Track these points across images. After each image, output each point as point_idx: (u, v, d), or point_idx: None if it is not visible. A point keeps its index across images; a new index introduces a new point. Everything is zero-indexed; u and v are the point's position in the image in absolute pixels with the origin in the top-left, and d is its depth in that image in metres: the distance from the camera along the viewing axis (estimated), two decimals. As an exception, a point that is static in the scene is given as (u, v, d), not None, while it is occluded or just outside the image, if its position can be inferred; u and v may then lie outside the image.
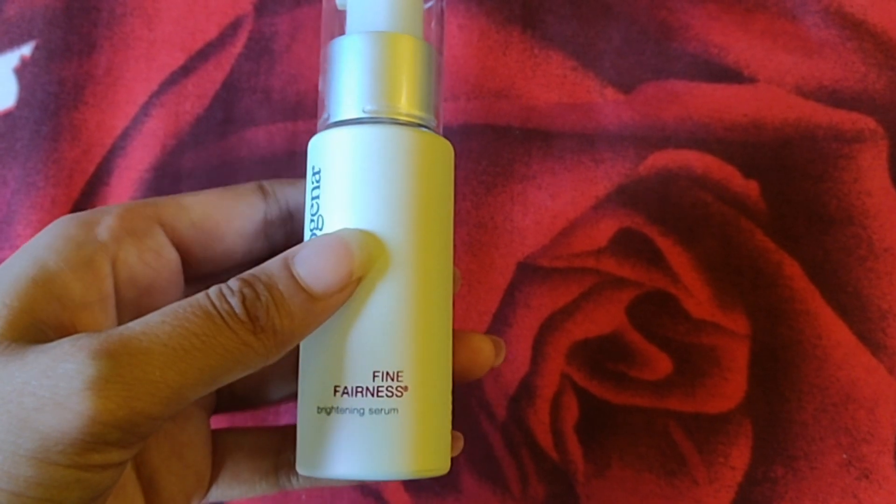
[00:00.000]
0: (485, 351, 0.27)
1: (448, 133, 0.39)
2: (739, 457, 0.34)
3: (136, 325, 0.21)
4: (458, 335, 0.27)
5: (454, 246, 0.37)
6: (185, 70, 0.40)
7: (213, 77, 0.40)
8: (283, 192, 0.28)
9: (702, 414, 0.34)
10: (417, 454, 0.24)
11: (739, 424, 0.34)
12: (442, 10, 0.29)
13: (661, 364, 0.35)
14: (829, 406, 0.34)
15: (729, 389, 0.34)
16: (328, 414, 0.24)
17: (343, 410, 0.24)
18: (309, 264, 0.23)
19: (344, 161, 0.25)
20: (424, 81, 0.26)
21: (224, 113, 0.40)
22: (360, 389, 0.24)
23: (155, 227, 0.26)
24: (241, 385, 0.29)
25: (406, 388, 0.24)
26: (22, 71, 0.41)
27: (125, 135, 0.40)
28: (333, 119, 0.25)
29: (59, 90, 0.41)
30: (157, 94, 0.40)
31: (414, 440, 0.24)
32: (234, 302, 0.22)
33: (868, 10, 0.37)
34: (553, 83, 0.38)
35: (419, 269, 0.25)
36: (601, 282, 0.36)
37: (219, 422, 0.30)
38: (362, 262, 0.24)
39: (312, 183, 0.25)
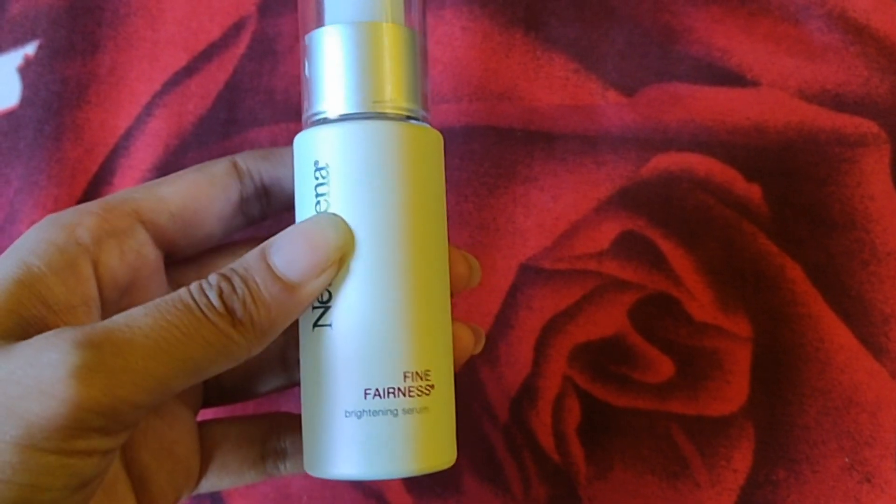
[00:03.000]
0: (464, 339, 0.27)
1: (450, 134, 0.39)
2: (741, 460, 0.34)
3: (119, 318, 0.22)
4: None
5: (457, 245, 0.37)
6: (189, 70, 0.40)
7: (216, 77, 0.40)
8: (256, 166, 0.28)
9: (704, 417, 0.34)
10: (440, 448, 0.25)
11: (741, 427, 0.34)
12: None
13: (663, 367, 0.35)
14: (831, 410, 0.34)
15: (731, 392, 0.34)
16: (359, 417, 0.24)
17: (376, 413, 0.24)
18: (284, 253, 0.24)
19: (356, 157, 0.25)
20: (415, 72, 0.26)
21: (227, 113, 0.40)
22: (392, 391, 0.24)
23: (135, 225, 0.26)
24: (229, 379, 0.29)
25: (433, 386, 0.24)
26: (25, 70, 0.41)
27: (128, 134, 0.40)
28: (335, 114, 0.25)
29: (62, 89, 0.41)
30: (161, 94, 0.40)
31: (440, 435, 0.25)
32: (213, 296, 0.23)
33: (871, 14, 0.37)
34: (556, 85, 0.38)
35: (431, 264, 0.25)
36: (603, 284, 0.36)
37: (204, 413, 0.30)
38: (338, 245, 0.24)
39: (317, 179, 0.25)
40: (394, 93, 0.25)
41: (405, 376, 0.24)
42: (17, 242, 0.24)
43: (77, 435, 0.20)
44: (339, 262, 0.24)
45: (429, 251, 0.25)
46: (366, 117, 0.25)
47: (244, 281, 0.23)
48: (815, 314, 0.35)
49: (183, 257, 0.28)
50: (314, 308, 0.25)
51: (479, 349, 0.29)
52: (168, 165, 0.39)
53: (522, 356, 0.36)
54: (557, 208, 0.37)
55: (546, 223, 0.37)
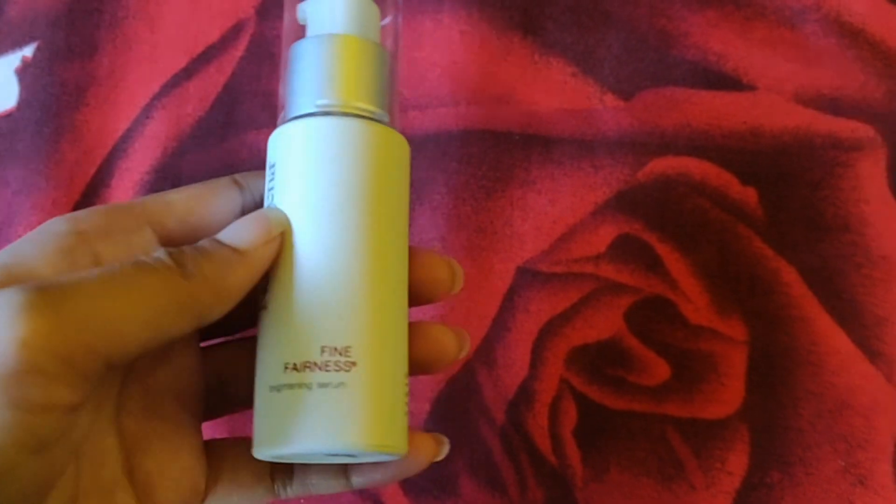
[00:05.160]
0: (444, 341, 0.27)
1: (448, 138, 0.39)
2: (736, 462, 0.34)
3: (70, 274, 0.22)
4: (419, 326, 0.27)
5: (454, 248, 0.37)
6: (187, 73, 0.40)
7: (214, 80, 0.40)
8: (254, 184, 0.28)
9: (699, 419, 0.34)
10: (369, 428, 0.24)
11: (736, 430, 0.34)
12: (397, 29, 0.30)
13: (660, 370, 0.35)
14: (825, 413, 0.34)
15: (726, 395, 0.34)
16: (279, 392, 0.24)
17: (293, 386, 0.24)
18: (228, 230, 0.25)
19: (295, 153, 0.26)
20: (375, 78, 0.27)
21: (225, 116, 0.40)
22: (308, 364, 0.24)
23: (143, 225, 0.26)
24: (234, 385, 0.29)
25: (354, 363, 0.24)
26: (23, 72, 0.41)
27: (126, 137, 0.40)
28: (289, 116, 0.26)
29: (60, 91, 0.41)
30: (159, 96, 0.40)
31: (365, 414, 0.24)
32: (161, 254, 0.23)
33: (867, 18, 0.37)
34: (553, 89, 0.38)
35: (368, 250, 0.25)
36: (600, 287, 0.36)
37: (219, 432, 0.30)
38: (278, 220, 0.25)
39: (269, 177, 0.26)
40: (340, 93, 0.26)
41: (322, 350, 0.24)
42: (25, 235, 0.25)
43: (31, 382, 0.19)
44: (282, 237, 0.25)
45: (368, 236, 0.25)
46: (310, 115, 0.26)
47: (194, 248, 0.24)
48: (810, 317, 0.35)
49: None
50: (260, 293, 0.26)
51: (463, 353, 0.28)
52: (166, 168, 0.40)
53: (519, 359, 0.36)
54: (555, 212, 0.37)
55: (543, 226, 0.37)
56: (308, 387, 0.24)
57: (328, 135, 0.25)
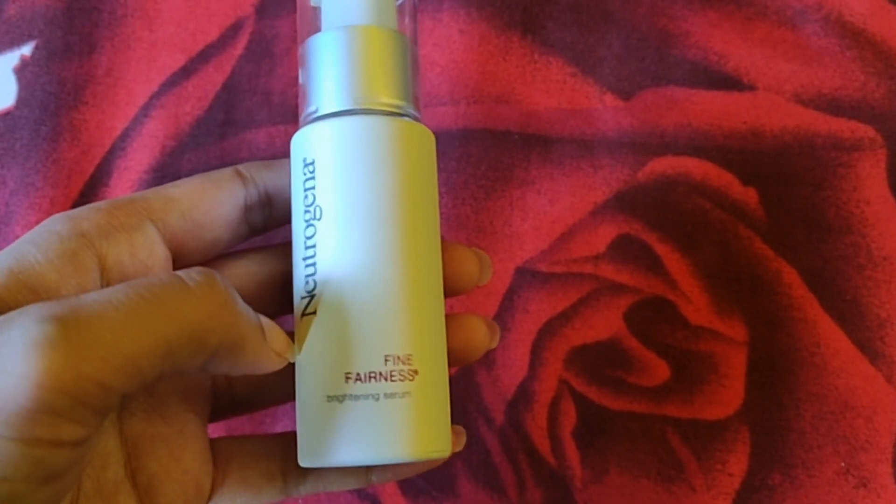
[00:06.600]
0: (480, 331, 0.27)
1: (448, 137, 0.39)
2: (737, 464, 0.34)
3: (93, 293, 0.20)
4: (452, 317, 0.27)
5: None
6: (186, 71, 0.40)
7: (213, 79, 0.40)
8: (260, 175, 0.28)
9: (699, 421, 0.34)
10: (430, 436, 0.24)
11: (737, 431, 0.34)
12: (414, 6, 0.29)
13: (659, 370, 0.35)
14: (826, 414, 0.34)
15: (727, 396, 0.34)
16: (340, 402, 0.24)
17: (357, 397, 0.24)
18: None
19: (340, 151, 0.25)
20: (405, 72, 0.27)
21: (224, 114, 0.40)
22: (373, 375, 0.24)
23: (145, 222, 0.26)
24: (241, 386, 0.29)
25: (417, 372, 0.24)
26: (22, 71, 0.41)
27: (125, 135, 0.40)
28: (323, 111, 0.26)
29: (59, 90, 0.41)
30: (158, 95, 0.40)
31: (429, 422, 0.24)
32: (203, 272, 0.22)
33: (868, 19, 0.37)
34: (553, 89, 0.38)
35: (417, 253, 0.25)
36: (599, 287, 0.36)
37: (216, 430, 0.30)
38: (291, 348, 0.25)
39: (305, 174, 0.26)
40: (376, 90, 0.26)
41: (386, 360, 0.24)
42: (24, 235, 0.24)
43: (41, 420, 0.18)
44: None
45: (411, 239, 0.25)
46: (350, 113, 0.26)
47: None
48: (811, 318, 0.35)
49: (190, 262, 0.27)
50: (301, 298, 0.25)
51: (495, 343, 0.28)
52: (165, 167, 0.39)
53: (518, 359, 0.36)
54: (554, 211, 0.37)
55: (543, 226, 0.37)
56: (375, 397, 0.24)
57: (368, 135, 0.25)
